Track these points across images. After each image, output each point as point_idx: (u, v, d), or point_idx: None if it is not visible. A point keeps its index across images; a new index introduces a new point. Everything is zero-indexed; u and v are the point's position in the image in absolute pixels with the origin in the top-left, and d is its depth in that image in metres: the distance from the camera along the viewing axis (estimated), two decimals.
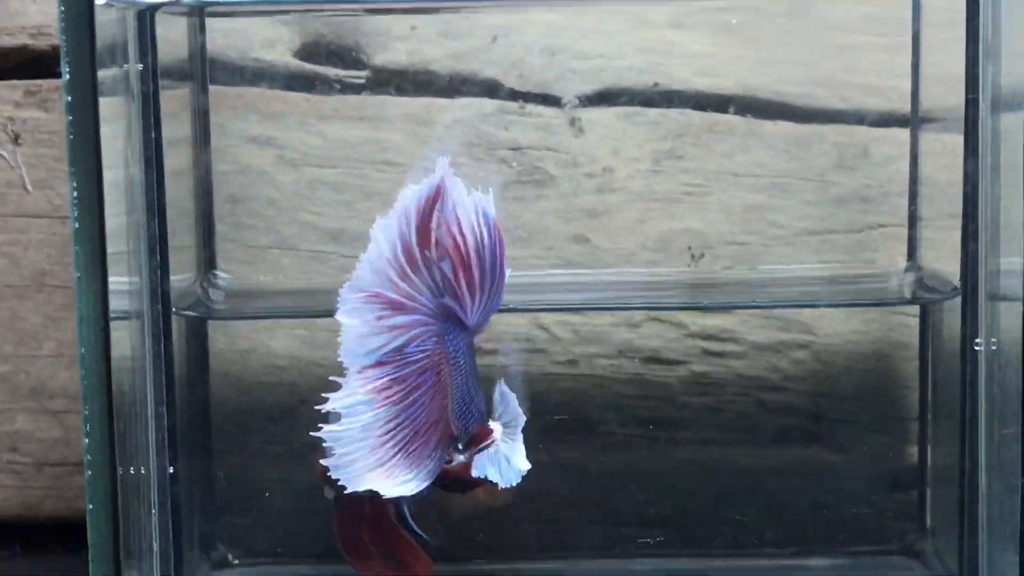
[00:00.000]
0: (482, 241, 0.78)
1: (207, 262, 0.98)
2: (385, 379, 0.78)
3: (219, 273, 0.98)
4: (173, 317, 0.89)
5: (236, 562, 0.98)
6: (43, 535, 1.12)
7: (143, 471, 0.84)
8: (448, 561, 0.94)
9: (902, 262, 0.98)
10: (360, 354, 0.78)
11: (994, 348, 0.84)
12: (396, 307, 0.77)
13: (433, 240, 0.77)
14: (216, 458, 0.98)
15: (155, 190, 0.85)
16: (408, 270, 0.77)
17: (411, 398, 0.78)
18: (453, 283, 0.78)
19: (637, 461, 1.01)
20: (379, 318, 0.77)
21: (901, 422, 1.01)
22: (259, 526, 0.98)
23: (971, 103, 0.84)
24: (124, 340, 0.83)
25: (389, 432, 0.78)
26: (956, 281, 0.89)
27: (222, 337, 1.00)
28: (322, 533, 0.98)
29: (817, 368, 1.01)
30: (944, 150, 0.95)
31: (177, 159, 0.94)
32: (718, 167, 0.99)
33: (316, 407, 0.78)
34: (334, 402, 0.77)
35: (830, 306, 0.96)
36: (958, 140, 0.87)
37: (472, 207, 0.78)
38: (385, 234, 0.77)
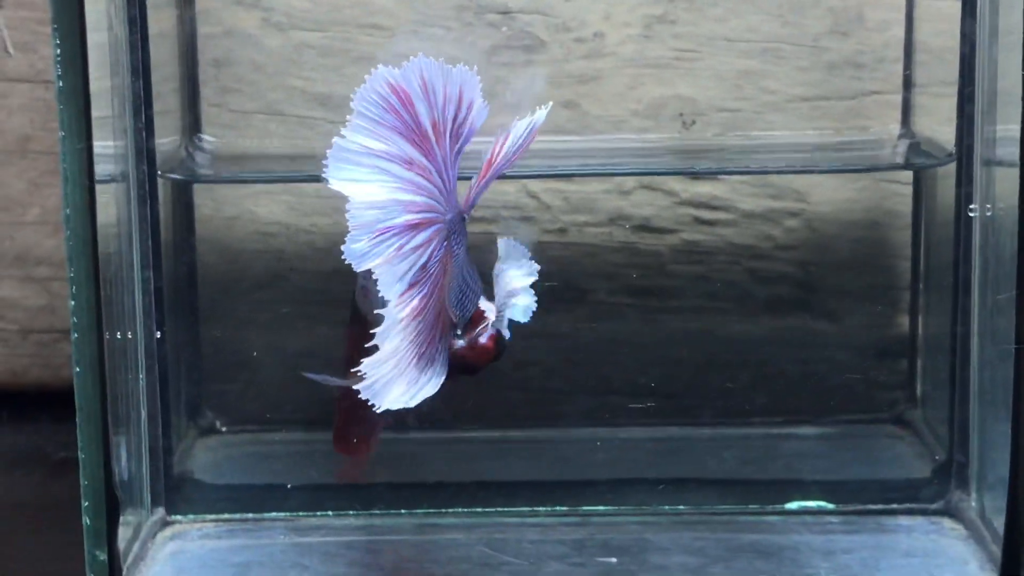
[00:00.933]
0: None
1: (192, 126, 0.97)
2: (417, 299, 0.76)
3: (204, 137, 0.97)
4: (159, 181, 0.88)
5: (224, 429, 0.98)
6: (29, 402, 1.12)
7: (130, 335, 0.84)
8: (438, 429, 0.95)
9: (896, 129, 0.98)
10: (393, 284, 0.75)
11: (989, 214, 0.84)
12: (411, 228, 0.75)
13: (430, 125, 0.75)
14: (203, 325, 0.98)
15: (140, 50, 0.84)
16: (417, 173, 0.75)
17: (430, 306, 0.77)
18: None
19: (627, 330, 1.01)
20: (399, 248, 0.75)
21: (893, 291, 1.01)
22: (247, 393, 0.98)
23: None
24: (109, 203, 0.82)
25: (416, 347, 0.76)
26: (951, 148, 0.88)
27: (208, 203, 0.99)
28: (309, 401, 0.98)
29: (809, 236, 1.01)
30: (940, 15, 0.94)
31: (161, 21, 0.93)
32: (710, 32, 0.98)
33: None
34: (380, 337, 0.75)
35: (822, 172, 0.96)
36: (955, 5, 0.86)
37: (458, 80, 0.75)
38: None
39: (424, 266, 0.76)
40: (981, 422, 0.86)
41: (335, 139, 0.74)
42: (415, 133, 0.75)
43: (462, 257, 0.79)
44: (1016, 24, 0.76)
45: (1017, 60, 0.76)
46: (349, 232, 0.73)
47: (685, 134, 0.99)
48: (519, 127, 0.78)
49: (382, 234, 0.74)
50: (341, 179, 0.74)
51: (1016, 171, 0.78)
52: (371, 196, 0.74)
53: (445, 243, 0.77)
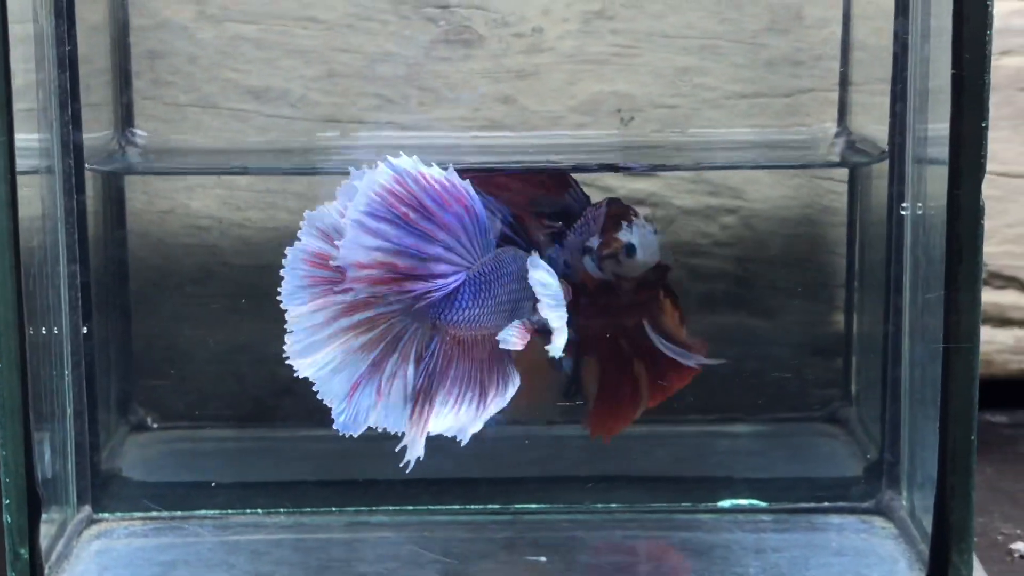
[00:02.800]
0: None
1: (124, 119, 0.96)
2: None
3: (137, 131, 0.96)
4: (89, 175, 0.87)
5: (155, 425, 0.98)
6: None
7: (56, 331, 0.83)
8: None
9: (832, 127, 0.98)
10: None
11: (920, 213, 0.84)
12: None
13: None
14: (135, 320, 0.97)
15: (66, 43, 0.83)
16: None
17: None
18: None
19: None
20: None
21: (828, 288, 1.01)
22: (179, 389, 0.97)
23: None
24: (35, 197, 0.81)
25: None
26: (886, 146, 0.88)
27: (141, 196, 0.99)
28: (242, 397, 0.97)
29: (746, 233, 1.01)
30: (877, 12, 0.93)
31: (93, 13, 0.92)
32: (648, 28, 0.98)
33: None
34: None
35: (757, 168, 0.96)
36: (892, 4, 0.87)
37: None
38: None
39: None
40: (912, 421, 0.86)
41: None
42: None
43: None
44: (947, 25, 0.76)
45: (948, 60, 0.76)
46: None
47: (623, 130, 0.99)
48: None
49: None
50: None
51: (946, 170, 0.78)
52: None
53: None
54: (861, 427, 0.96)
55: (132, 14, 0.96)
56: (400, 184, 0.75)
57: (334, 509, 0.88)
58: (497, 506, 0.89)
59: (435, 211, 0.76)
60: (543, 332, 0.78)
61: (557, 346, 0.77)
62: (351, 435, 0.78)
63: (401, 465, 0.77)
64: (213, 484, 0.89)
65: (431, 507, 0.88)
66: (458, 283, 0.78)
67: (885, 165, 0.89)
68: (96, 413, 0.88)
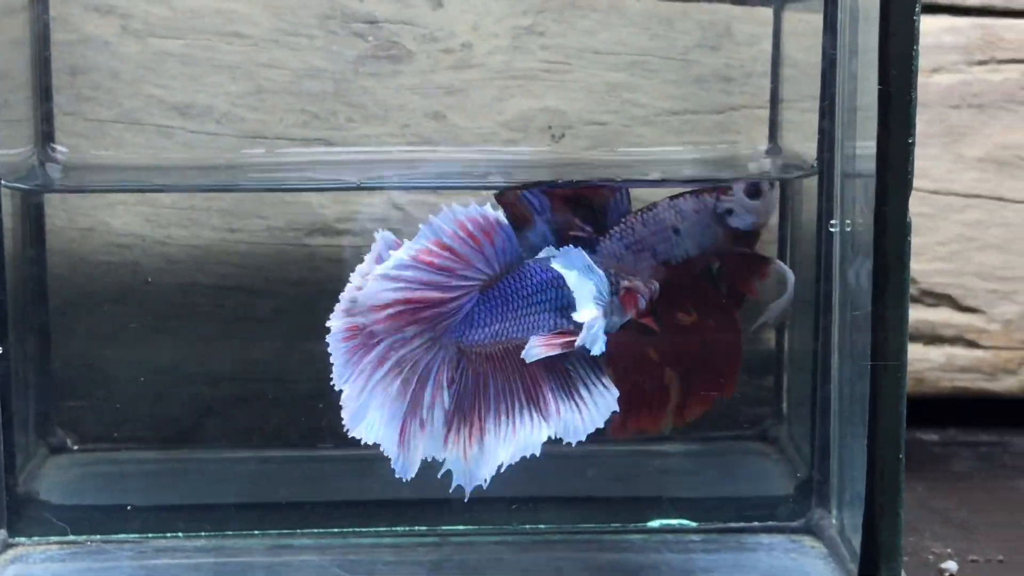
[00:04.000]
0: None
1: (45, 136, 0.94)
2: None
3: (57, 147, 0.95)
4: (5, 192, 0.86)
5: (75, 447, 0.96)
6: None
7: None
8: (291, 447, 0.93)
9: (763, 144, 0.97)
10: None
11: (848, 229, 0.84)
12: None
13: None
14: (55, 340, 0.95)
15: None
16: None
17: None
18: None
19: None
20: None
21: (760, 305, 1.00)
22: (100, 410, 0.96)
23: None
24: None
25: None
26: (815, 163, 0.88)
27: (61, 214, 0.97)
28: (164, 418, 0.96)
29: None
30: (807, 29, 0.93)
31: (12, 27, 0.91)
32: (579, 44, 0.98)
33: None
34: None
35: (684, 183, 0.95)
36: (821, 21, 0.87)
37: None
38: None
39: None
40: (841, 439, 0.86)
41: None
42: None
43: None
44: (874, 42, 0.76)
45: (876, 77, 0.76)
46: None
47: (553, 147, 0.99)
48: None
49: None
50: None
51: (873, 186, 0.78)
52: None
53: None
54: (792, 445, 0.96)
55: (53, 29, 0.94)
56: (436, 244, 0.77)
57: (256, 532, 0.87)
58: (424, 528, 0.88)
59: (459, 250, 0.77)
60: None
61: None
62: (407, 479, 0.79)
63: (451, 491, 0.78)
64: (128, 508, 0.87)
65: (356, 529, 0.87)
66: (472, 302, 0.79)
67: (815, 182, 0.89)
68: (12, 435, 0.86)
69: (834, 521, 0.87)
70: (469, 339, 0.79)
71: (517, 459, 0.78)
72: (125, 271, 0.98)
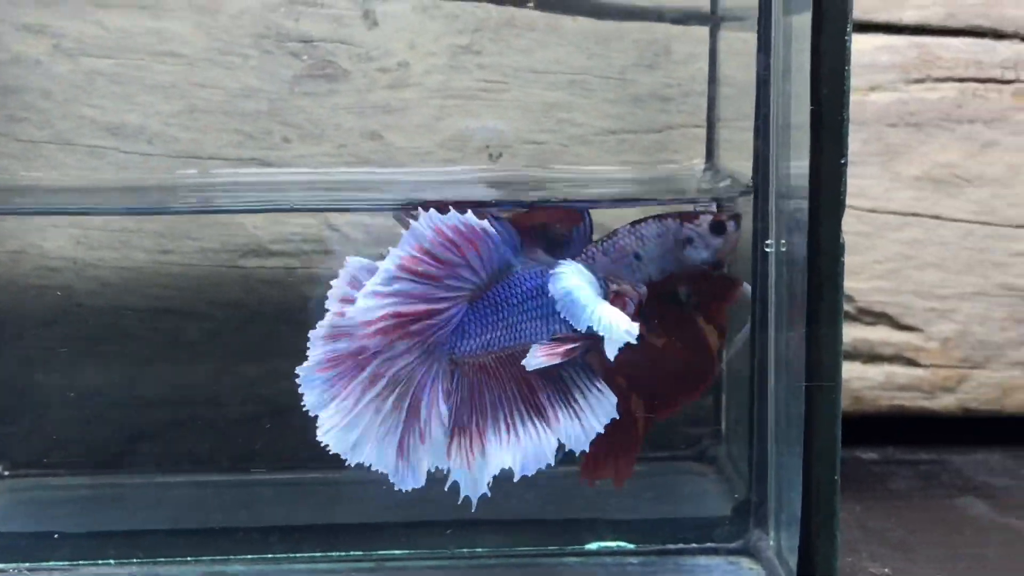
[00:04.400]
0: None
1: None
2: None
3: None
4: None
5: (7, 474, 0.95)
6: None
7: None
8: (223, 471, 0.92)
9: (700, 163, 0.98)
10: None
11: (784, 249, 0.84)
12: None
13: None
14: None
15: None
16: None
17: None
18: None
19: None
20: None
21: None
22: (30, 435, 0.95)
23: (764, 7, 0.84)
24: None
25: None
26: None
27: None
28: (95, 443, 0.95)
29: None
30: (744, 48, 0.94)
31: None
32: (516, 63, 0.98)
33: None
34: None
35: (619, 203, 0.95)
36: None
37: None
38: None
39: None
40: (778, 459, 0.86)
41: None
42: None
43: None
44: (807, 61, 0.76)
45: (808, 96, 0.77)
46: None
47: (491, 166, 0.98)
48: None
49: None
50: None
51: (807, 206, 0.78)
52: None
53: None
54: (731, 466, 0.96)
55: None
56: (419, 250, 0.78)
57: (189, 559, 0.86)
58: (359, 553, 0.87)
59: (445, 259, 0.78)
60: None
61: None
62: (412, 488, 0.80)
63: (460, 503, 0.79)
64: (56, 535, 0.86)
65: (290, 555, 0.86)
66: (461, 313, 0.79)
67: (751, 201, 0.89)
68: None
69: (772, 542, 0.87)
70: (461, 350, 0.80)
71: (532, 471, 0.79)
72: (56, 294, 0.97)
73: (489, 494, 0.79)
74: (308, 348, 0.79)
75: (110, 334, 0.97)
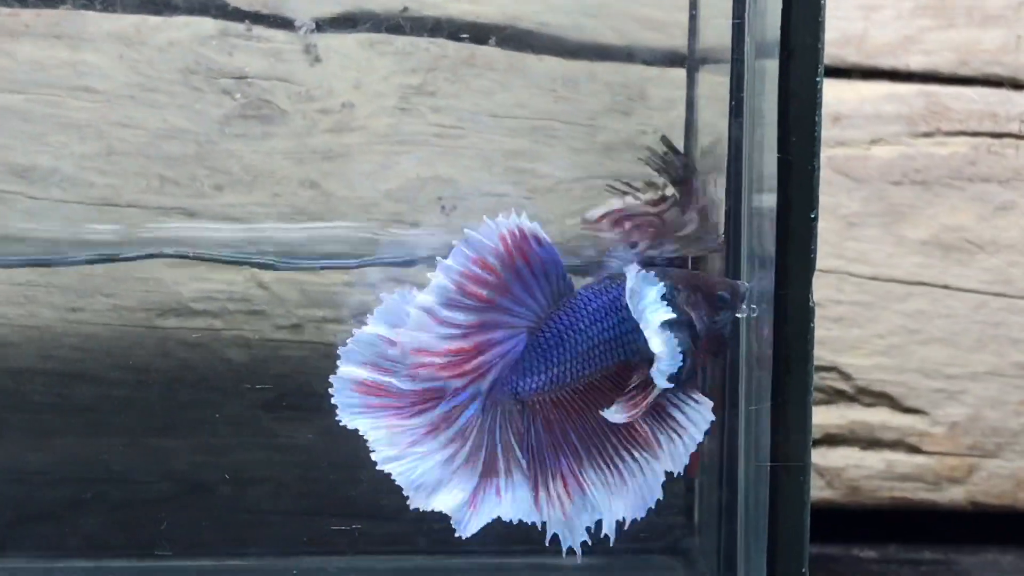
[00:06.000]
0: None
1: None
2: None
3: None
4: None
5: None
6: None
7: None
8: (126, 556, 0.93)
9: None
10: None
11: (754, 315, 0.84)
12: None
13: None
14: None
15: None
16: None
17: None
18: None
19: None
20: None
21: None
22: None
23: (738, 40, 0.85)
24: None
25: None
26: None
27: None
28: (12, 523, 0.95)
29: None
30: (725, 94, 0.94)
31: None
32: (475, 106, 0.99)
33: None
34: None
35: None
36: None
37: None
38: None
39: None
40: (746, 550, 0.86)
41: None
42: None
43: None
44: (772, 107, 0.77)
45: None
46: None
47: (444, 220, 0.99)
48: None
49: None
50: None
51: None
52: None
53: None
54: (703, 558, 0.96)
55: None
56: (480, 265, 0.78)
57: None
58: None
59: (503, 276, 0.79)
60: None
61: (660, 371, 0.77)
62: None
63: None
64: None
65: None
66: (521, 345, 0.79)
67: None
68: None
69: None
70: (525, 389, 0.80)
71: (643, 514, 0.80)
72: None
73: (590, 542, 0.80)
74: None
75: (9, 400, 0.97)
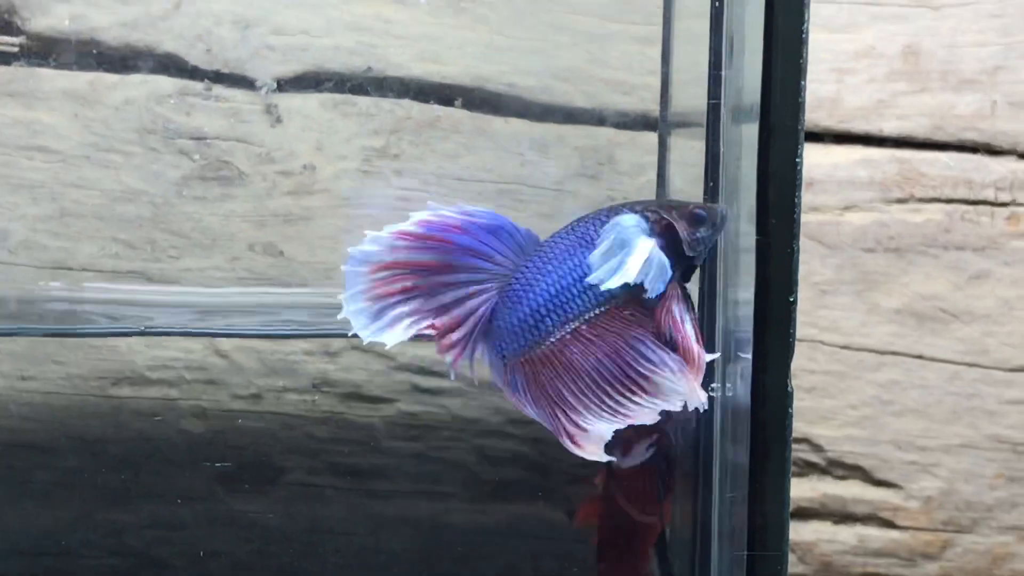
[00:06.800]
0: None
1: None
2: None
3: None
4: None
5: None
6: None
7: None
8: None
9: None
10: None
11: (730, 395, 0.84)
12: None
13: None
14: None
15: None
16: None
17: None
18: None
19: (332, 516, 0.99)
20: None
21: None
22: None
23: (712, 107, 0.84)
24: None
25: None
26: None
27: None
28: None
29: None
30: (697, 159, 0.94)
31: None
32: (439, 169, 0.98)
33: None
34: None
35: None
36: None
37: None
38: None
39: None
40: None
41: None
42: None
43: None
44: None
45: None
46: None
47: None
48: None
49: None
50: None
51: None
52: None
53: None
54: None
55: None
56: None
57: None
58: None
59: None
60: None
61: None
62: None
63: None
64: None
65: None
66: (489, 308, 0.80)
67: None
68: None
69: None
70: (509, 350, 0.80)
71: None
72: None
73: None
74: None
75: None
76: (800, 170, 0.75)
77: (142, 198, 0.96)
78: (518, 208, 0.99)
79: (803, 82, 0.75)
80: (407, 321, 0.79)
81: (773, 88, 0.75)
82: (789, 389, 0.76)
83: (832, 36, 1.11)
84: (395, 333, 0.79)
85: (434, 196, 0.98)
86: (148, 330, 0.94)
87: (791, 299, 0.76)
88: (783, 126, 0.75)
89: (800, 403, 1.11)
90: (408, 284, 0.79)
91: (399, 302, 0.79)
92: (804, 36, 0.75)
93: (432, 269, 0.79)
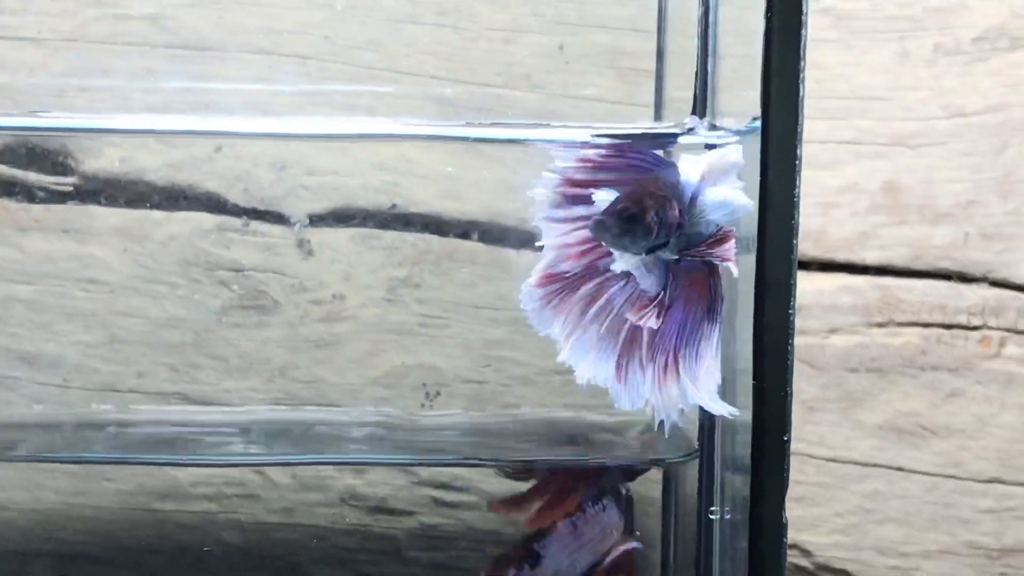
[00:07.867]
0: None
1: None
2: None
3: None
4: None
5: None
6: None
7: None
8: None
9: (649, 412, 1.00)
10: None
11: (728, 517, 0.87)
12: None
13: None
14: None
15: None
16: None
17: None
18: None
19: None
20: None
21: None
22: None
23: None
24: None
25: None
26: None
27: None
28: None
29: None
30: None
31: None
32: (457, 298, 1.01)
33: None
34: None
35: (559, 463, 0.98)
36: None
37: None
38: None
39: None
40: None
41: None
42: None
43: None
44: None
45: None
46: None
47: (428, 406, 1.01)
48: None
49: None
50: None
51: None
52: None
53: None
54: None
55: None
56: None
57: None
58: None
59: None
60: None
61: None
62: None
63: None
64: None
65: None
66: None
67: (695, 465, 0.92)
68: None
69: None
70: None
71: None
72: None
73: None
74: None
75: None
76: (793, 319, 0.78)
77: (185, 325, 0.99)
78: (531, 333, 0.99)
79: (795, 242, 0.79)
80: None
81: (768, 251, 0.79)
82: (783, 520, 0.80)
83: (817, 172, 1.13)
84: None
85: (453, 322, 1.01)
86: (205, 461, 0.96)
87: (785, 438, 0.79)
88: (777, 281, 0.78)
89: (790, 512, 1.07)
90: None
91: None
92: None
93: None
